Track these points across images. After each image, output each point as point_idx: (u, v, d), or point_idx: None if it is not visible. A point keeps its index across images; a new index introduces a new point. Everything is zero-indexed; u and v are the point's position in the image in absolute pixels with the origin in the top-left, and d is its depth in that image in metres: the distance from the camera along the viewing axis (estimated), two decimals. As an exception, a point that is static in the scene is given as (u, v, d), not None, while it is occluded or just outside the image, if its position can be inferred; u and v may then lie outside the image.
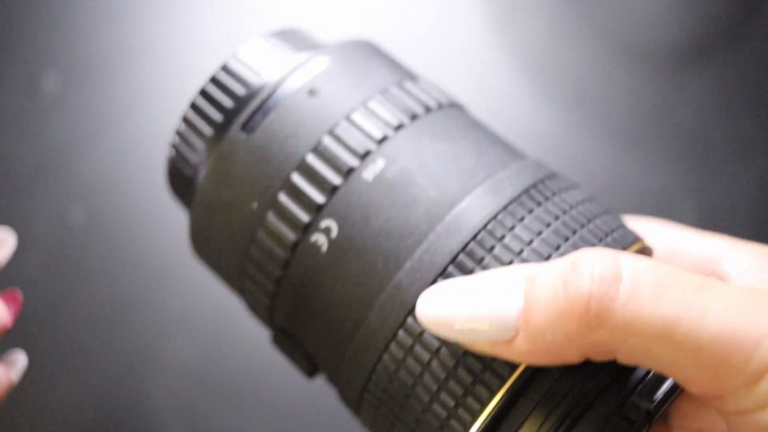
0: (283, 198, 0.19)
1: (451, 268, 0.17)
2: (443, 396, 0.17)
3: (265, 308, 0.21)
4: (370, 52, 0.22)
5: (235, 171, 0.19)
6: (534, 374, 0.17)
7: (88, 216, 0.54)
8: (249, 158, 0.19)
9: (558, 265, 0.16)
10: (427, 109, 0.20)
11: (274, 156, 0.19)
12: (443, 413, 0.17)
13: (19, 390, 0.49)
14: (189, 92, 0.61)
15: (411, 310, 0.17)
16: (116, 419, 0.47)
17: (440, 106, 0.20)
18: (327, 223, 0.18)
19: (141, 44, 0.61)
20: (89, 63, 0.60)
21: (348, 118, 0.19)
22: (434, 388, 0.17)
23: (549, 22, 0.62)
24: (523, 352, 0.16)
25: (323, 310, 0.19)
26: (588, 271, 0.16)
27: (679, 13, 0.62)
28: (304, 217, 0.18)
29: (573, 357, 0.16)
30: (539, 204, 0.18)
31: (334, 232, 0.18)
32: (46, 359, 0.49)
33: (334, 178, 0.18)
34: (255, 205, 0.19)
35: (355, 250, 0.18)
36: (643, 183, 0.56)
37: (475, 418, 0.17)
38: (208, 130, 0.21)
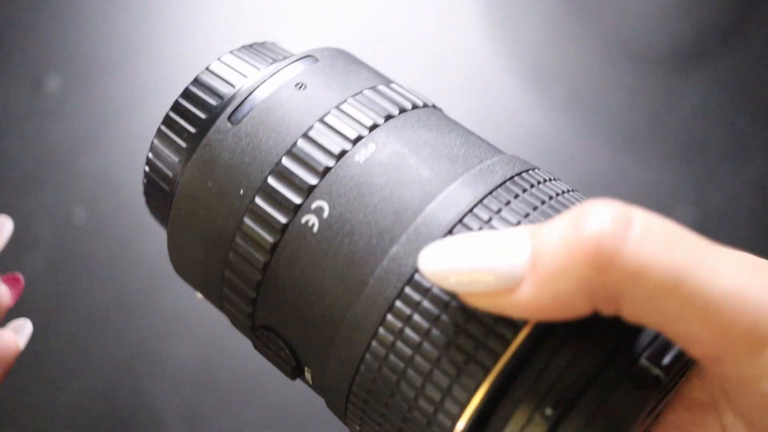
0: (273, 181, 0.19)
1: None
2: (436, 375, 0.17)
3: (248, 302, 0.20)
4: (350, 57, 0.23)
5: (221, 160, 0.19)
6: (533, 347, 0.16)
7: (89, 215, 0.54)
8: (235, 146, 0.19)
9: (565, 215, 0.16)
10: (414, 106, 0.20)
11: (262, 143, 0.19)
12: (443, 383, 0.17)
13: (20, 388, 0.49)
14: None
15: (409, 280, 0.17)
16: (117, 416, 0.47)
17: (425, 105, 0.21)
18: (319, 203, 0.18)
19: (142, 46, 0.61)
20: (91, 64, 0.60)
21: (338, 108, 0.19)
22: (428, 367, 0.17)
23: (547, 23, 0.62)
24: (530, 304, 0.16)
25: (312, 293, 0.18)
26: (598, 215, 0.15)
27: (676, 15, 0.62)
28: (296, 198, 0.18)
29: (580, 305, 0.16)
30: (532, 186, 0.18)
31: (326, 212, 0.18)
32: (47, 358, 0.49)
33: (327, 161, 0.18)
34: (242, 191, 0.19)
35: (348, 228, 0.18)
36: (642, 183, 0.56)
37: (471, 395, 0.16)
38: (182, 142, 0.21)
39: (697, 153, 0.56)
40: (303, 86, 0.20)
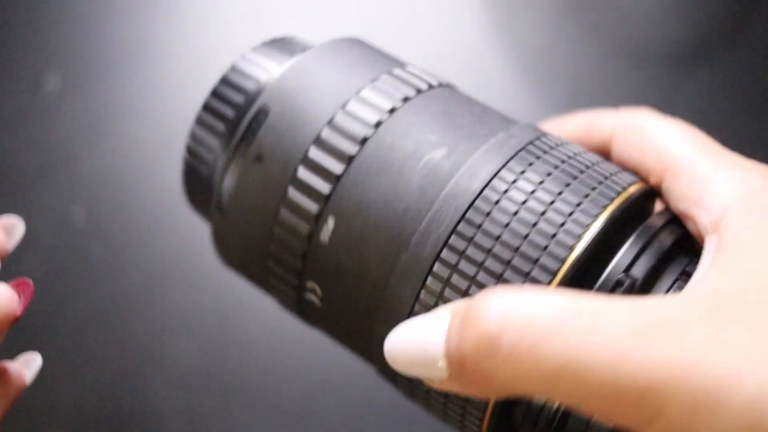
0: (313, 152, 0.20)
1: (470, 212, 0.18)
2: None
3: (296, 273, 0.21)
4: (357, 44, 0.23)
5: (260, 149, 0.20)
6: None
7: (89, 215, 0.54)
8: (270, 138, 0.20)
9: (460, 310, 0.17)
10: (430, 86, 0.21)
11: (290, 133, 0.20)
12: None
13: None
14: (189, 92, 0.61)
15: (445, 242, 0.18)
16: (117, 418, 0.47)
17: (440, 84, 0.21)
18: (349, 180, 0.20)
19: (141, 45, 0.61)
20: (90, 63, 0.60)
21: (358, 95, 0.20)
22: None
23: (548, 22, 0.62)
24: (456, 386, 0.17)
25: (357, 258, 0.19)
26: (474, 329, 0.16)
27: (677, 14, 0.62)
28: (336, 167, 0.19)
29: (497, 393, 0.16)
30: (551, 148, 0.19)
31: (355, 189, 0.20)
32: (47, 358, 0.49)
33: (352, 146, 0.19)
34: (282, 168, 0.20)
35: (379, 203, 0.19)
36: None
37: None
38: (221, 126, 0.22)
39: (698, 153, 0.56)
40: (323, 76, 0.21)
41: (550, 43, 0.61)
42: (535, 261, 0.17)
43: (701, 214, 0.18)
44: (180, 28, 0.62)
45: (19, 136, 0.57)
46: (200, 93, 0.68)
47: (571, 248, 0.17)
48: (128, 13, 0.63)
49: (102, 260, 0.52)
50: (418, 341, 0.17)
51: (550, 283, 0.17)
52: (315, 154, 0.19)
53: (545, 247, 0.17)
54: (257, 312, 0.51)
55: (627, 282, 0.17)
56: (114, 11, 0.63)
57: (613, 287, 0.17)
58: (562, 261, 0.17)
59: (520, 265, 0.17)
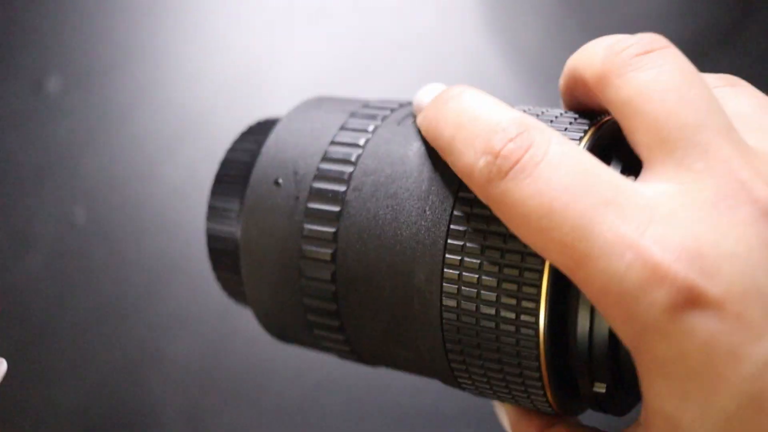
0: (317, 184, 0.21)
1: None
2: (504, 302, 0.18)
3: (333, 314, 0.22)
4: (322, 100, 0.25)
5: (264, 204, 0.22)
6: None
7: (90, 215, 0.54)
8: (272, 191, 0.22)
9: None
10: (400, 105, 0.23)
11: (296, 165, 0.22)
12: (511, 318, 0.18)
13: (20, 388, 0.49)
14: (189, 93, 0.61)
15: (445, 240, 0.18)
16: (118, 416, 0.47)
17: (396, 108, 0.23)
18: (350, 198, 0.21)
19: (142, 47, 0.61)
20: (91, 65, 0.60)
21: (342, 128, 0.22)
22: (493, 296, 0.18)
23: (547, 23, 0.62)
24: None
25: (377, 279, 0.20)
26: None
27: (676, 15, 0.62)
28: (334, 207, 0.21)
29: None
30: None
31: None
32: (48, 357, 0.49)
33: (345, 177, 0.21)
34: (290, 212, 0.21)
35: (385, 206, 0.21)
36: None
37: (537, 305, 0.18)
38: (231, 212, 0.24)
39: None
40: (306, 122, 0.23)
41: (550, 44, 0.61)
42: None
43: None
44: (180, 31, 0.62)
45: (20, 137, 0.57)
46: (200, 94, 0.68)
47: None
48: (129, 15, 0.63)
49: (102, 260, 0.52)
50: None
51: None
52: (319, 185, 0.21)
53: None
54: (257, 312, 0.51)
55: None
56: (115, 14, 0.63)
57: None
58: None
59: None
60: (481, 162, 0.17)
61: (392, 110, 0.23)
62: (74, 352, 0.49)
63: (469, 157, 0.17)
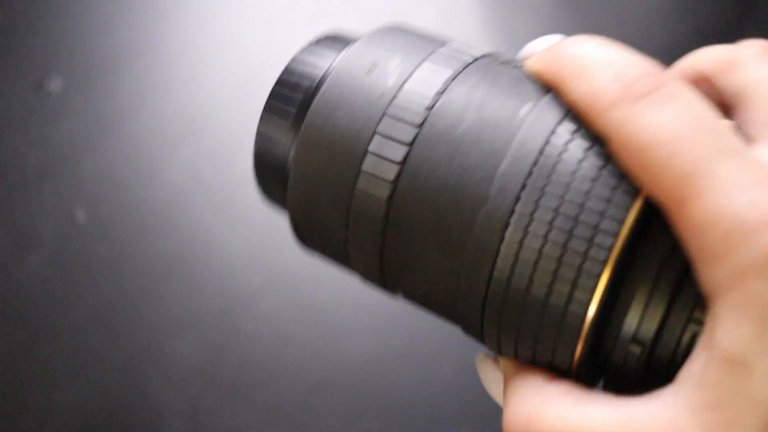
0: (386, 121, 0.21)
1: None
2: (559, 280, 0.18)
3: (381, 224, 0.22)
4: (407, 29, 0.25)
5: (327, 129, 0.22)
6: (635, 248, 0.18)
7: (90, 215, 0.54)
8: (337, 118, 0.22)
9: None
10: (474, 59, 0.22)
11: (359, 107, 0.22)
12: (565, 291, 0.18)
13: (20, 388, 0.49)
14: (189, 93, 0.62)
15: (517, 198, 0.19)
16: (119, 414, 0.47)
17: (483, 56, 0.23)
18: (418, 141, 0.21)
19: (143, 47, 0.61)
20: (92, 66, 0.60)
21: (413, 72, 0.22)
22: (552, 266, 0.18)
23: (546, 23, 0.62)
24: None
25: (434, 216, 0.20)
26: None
27: (676, 15, 0.62)
28: (407, 134, 0.21)
29: None
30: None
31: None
32: (50, 356, 0.49)
33: (417, 118, 0.21)
34: (355, 141, 0.21)
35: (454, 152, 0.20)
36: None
37: (591, 295, 0.18)
38: (291, 108, 0.23)
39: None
40: (376, 65, 0.23)
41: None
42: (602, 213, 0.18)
43: None
44: (180, 31, 0.62)
45: (22, 137, 0.57)
46: (200, 94, 0.68)
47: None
48: (130, 16, 0.63)
49: (103, 260, 0.52)
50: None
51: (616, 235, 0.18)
52: (386, 123, 0.21)
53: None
54: (257, 312, 0.51)
55: (637, 353, 0.18)
56: (116, 15, 0.63)
57: (625, 358, 0.18)
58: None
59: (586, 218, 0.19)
60: (613, 86, 0.17)
61: (475, 58, 0.23)
62: (75, 351, 0.49)
63: (599, 80, 0.18)
